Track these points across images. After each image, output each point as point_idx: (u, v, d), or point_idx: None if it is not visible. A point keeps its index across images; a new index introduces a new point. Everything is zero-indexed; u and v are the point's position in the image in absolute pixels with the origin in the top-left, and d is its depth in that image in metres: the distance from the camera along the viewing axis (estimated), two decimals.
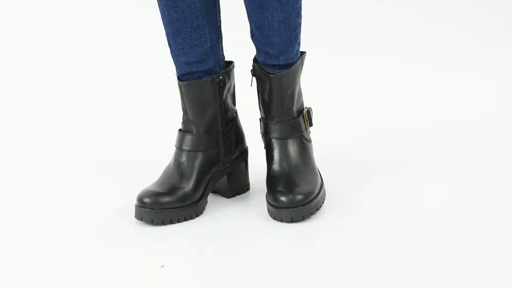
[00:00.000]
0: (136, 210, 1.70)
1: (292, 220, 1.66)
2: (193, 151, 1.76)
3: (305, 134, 1.78)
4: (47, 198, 1.86)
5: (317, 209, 1.69)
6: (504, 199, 1.77)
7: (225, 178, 1.81)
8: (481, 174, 1.91)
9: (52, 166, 2.06)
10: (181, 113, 1.81)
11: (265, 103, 1.76)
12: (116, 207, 1.78)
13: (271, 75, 1.73)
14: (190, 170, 1.75)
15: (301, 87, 1.81)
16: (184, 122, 1.78)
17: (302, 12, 1.74)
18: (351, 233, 1.62)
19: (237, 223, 1.70)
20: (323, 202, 1.73)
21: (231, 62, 1.81)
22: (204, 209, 1.75)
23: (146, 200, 1.69)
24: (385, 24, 2.66)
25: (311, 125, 1.80)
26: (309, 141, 1.79)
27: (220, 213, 1.75)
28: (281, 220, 1.67)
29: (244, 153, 1.84)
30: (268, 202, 1.69)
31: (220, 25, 1.77)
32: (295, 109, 1.76)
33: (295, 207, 1.66)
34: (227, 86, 1.78)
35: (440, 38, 2.65)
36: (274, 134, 1.76)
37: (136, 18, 2.67)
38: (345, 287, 1.44)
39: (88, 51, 2.66)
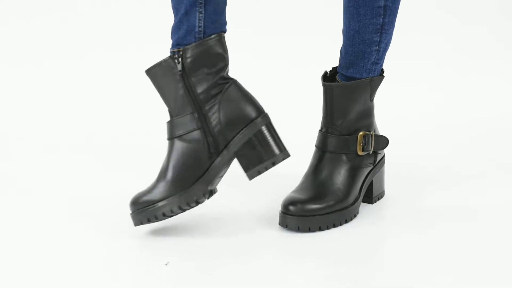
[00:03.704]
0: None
1: (298, 229, 1.63)
2: (170, 138, 1.65)
3: (351, 156, 1.71)
4: (47, 198, 1.84)
5: (335, 225, 1.65)
6: None
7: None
8: None
9: (50, 167, 2.05)
10: None
11: (323, 111, 1.73)
12: (116, 207, 1.76)
13: (326, 84, 1.70)
14: (168, 160, 1.63)
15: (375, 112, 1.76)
16: None
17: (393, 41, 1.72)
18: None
19: (243, 222, 1.69)
20: (346, 221, 1.67)
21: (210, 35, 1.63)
22: (203, 197, 1.61)
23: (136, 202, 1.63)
24: None
25: (365, 150, 1.72)
26: (361, 165, 1.71)
27: (225, 211, 1.73)
28: (286, 227, 1.64)
29: (253, 123, 1.64)
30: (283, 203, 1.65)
31: None
32: (348, 127, 1.71)
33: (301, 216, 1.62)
34: (190, 61, 1.62)
35: None
36: (317, 143, 1.72)
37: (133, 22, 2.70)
38: None
39: (85, 51, 2.68)
